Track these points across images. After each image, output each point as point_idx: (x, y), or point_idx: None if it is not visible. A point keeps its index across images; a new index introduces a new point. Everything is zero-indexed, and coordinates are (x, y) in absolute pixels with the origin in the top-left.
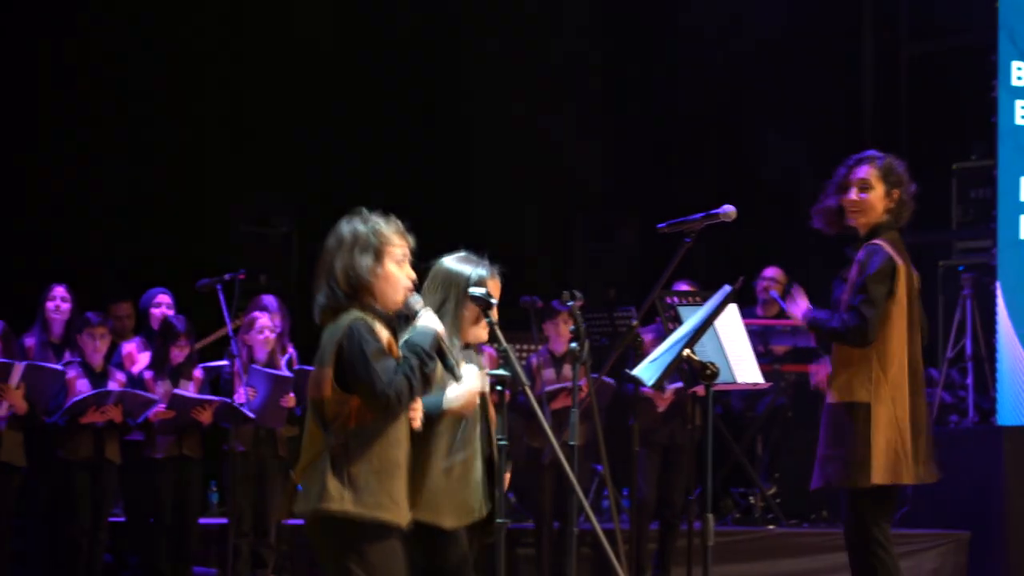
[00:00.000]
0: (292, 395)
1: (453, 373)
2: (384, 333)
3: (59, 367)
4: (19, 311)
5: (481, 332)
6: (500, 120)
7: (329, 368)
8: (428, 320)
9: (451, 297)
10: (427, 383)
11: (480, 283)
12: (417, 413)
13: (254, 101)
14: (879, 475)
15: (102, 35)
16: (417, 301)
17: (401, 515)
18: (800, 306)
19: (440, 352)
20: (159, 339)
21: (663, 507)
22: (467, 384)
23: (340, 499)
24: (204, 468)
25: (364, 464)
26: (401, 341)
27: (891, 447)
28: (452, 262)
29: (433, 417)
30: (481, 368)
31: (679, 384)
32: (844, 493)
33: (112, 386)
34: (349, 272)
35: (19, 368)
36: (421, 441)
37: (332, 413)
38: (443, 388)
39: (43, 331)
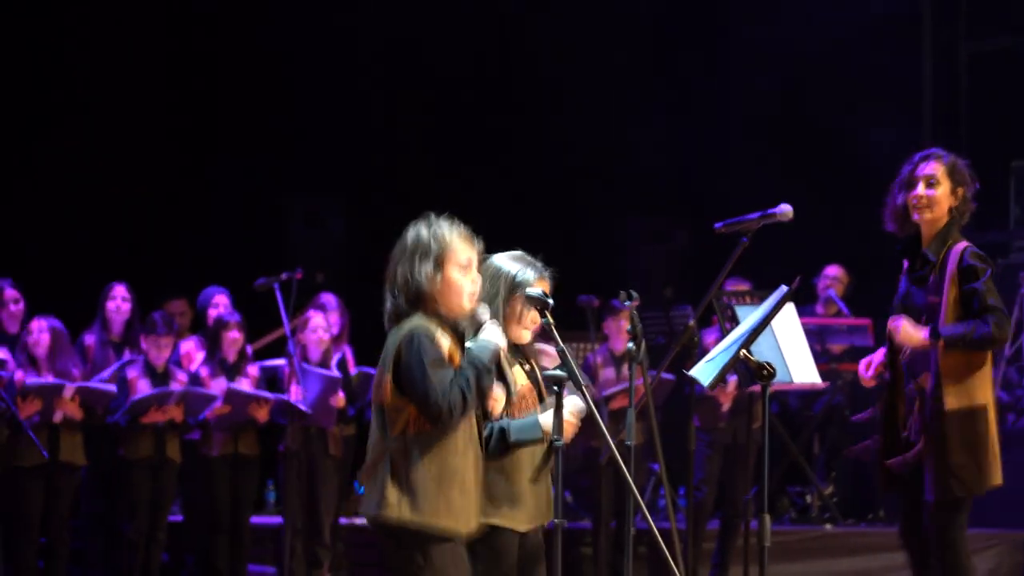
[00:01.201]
0: (342, 395)
1: (509, 390)
2: (446, 341)
3: (111, 388)
4: (77, 308)
5: (524, 333)
6: (559, 120)
7: (389, 373)
8: (491, 333)
9: (498, 294)
10: (482, 397)
11: (527, 283)
12: (497, 403)
13: (310, 100)
14: (997, 477)
15: (158, 31)
16: (485, 312)
17: (459, 523)
18: (920, 331)
19: (499, 367)
20: (212, 336)
21: (724, 506)
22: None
23: (398, 506)
24: (260, 467)
25: (423, 471)
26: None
27: (996, 448)
28: (503, 260)
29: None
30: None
31: (734, 377)
32: (951, 500)
33: (174, 386)
34: (409, 280)
35: (70, 388)
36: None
37: (392, 418)
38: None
39: (103, 330)
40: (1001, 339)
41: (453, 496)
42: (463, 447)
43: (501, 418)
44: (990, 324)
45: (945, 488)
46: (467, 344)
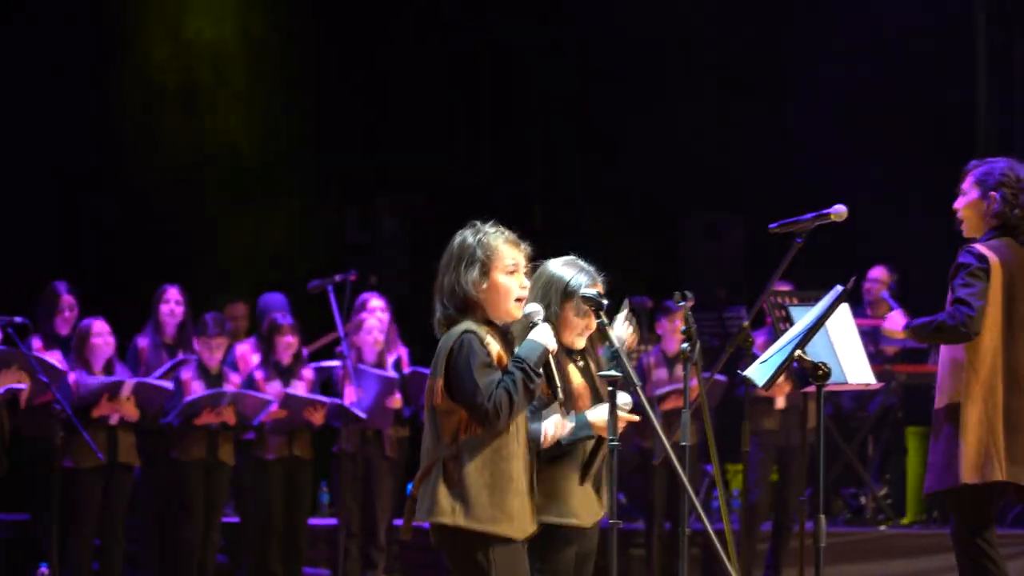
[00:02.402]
0: (399, 396)
1: (556, 391)
2: (495, 345)
3: (168, 385)
4: (129, 309)
5: (577, 340)
6: (609, 121)
7: (440, 378)
8: (541, 335)
9: (551, 300)
10: (530, 397)
11: (577, 291)
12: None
13: (365, 102)
14: (968, 474)
15: (212, 35)
16: (537, 313)
17: (515, 528)
18: (898, 322)
19: (547, 368)
20: (266, 339)
21: (777, 508)
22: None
23: (451, 512)
24: (314, 469)
25: (475, 476)
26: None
27: (981, 445)
28: (556, 266)
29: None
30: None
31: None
32: (943, 496)
33: (227, 388)
34: (456, 288)
35: (128, 386)
36: (563, 451)
37: (444, 423)
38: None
39: (156, 332)
40: (956, 330)
41: (507, 501)
42: (515, 451)
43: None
44: (947, 315)
45: (928, 484)
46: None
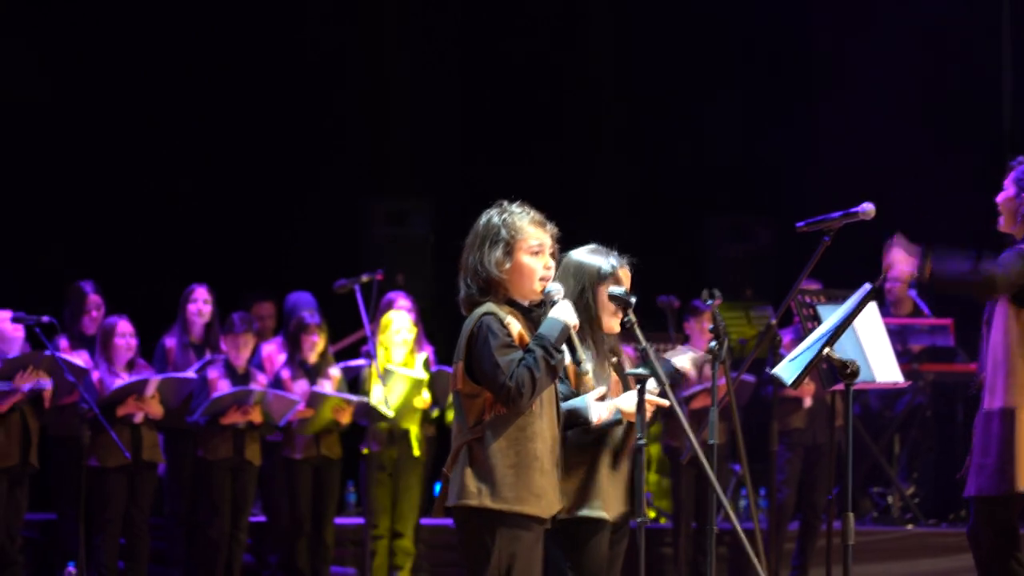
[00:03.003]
0: (426, 395)
1: (579, 366)
2: (516, 325)
3: (193, 376)
4: (155, 309)
5: (614, 322)
6: (635, 118)
7: (462, 361)
8: (561, 312)
9: (584, 288)
10: (552, 375)
11: (612, 274)
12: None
13: (391, 101)
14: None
15: (241, 34)
16: (557, 291)
17: (542, 508)
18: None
19: (570, 344)
20: (293, 339)
21: (804, 507)
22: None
23: (478, 494)
24: (342, 468)
25: (501, 457)
26: None
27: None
28: (582, 254)
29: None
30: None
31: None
32: (990, 502)
33: (253, 387)
34: (479, 267)
35: (153, 383)
36: (593, 440)
37: (467, 406)
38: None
39: (183, 332)
40: (982, 286)
41: (534, 480)
42: (540, 431)
43: None
44: (996, 264)
45: (978, 486)
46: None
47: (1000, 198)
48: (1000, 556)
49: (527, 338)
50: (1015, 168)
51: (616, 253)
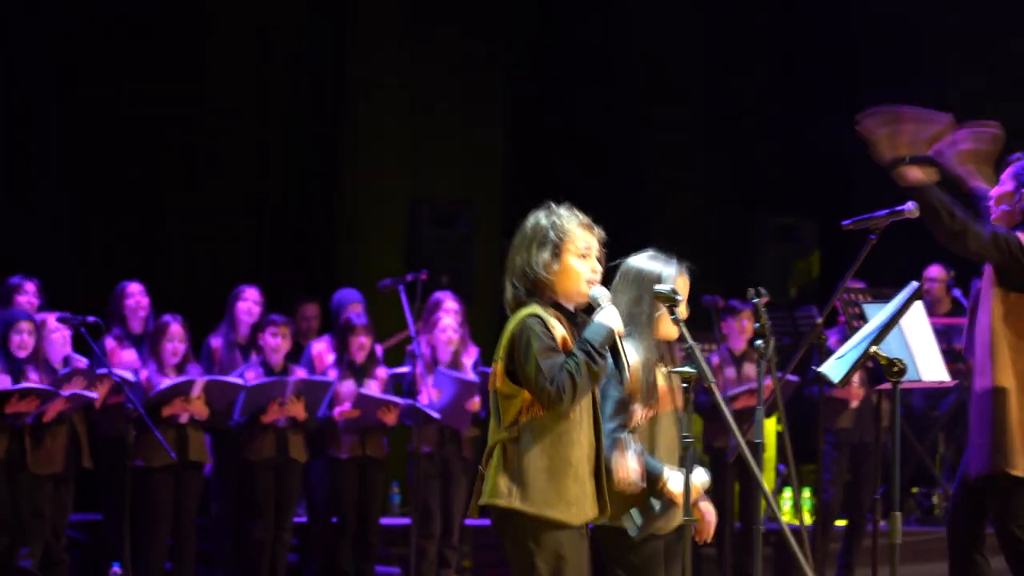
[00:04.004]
0: (477, 398)
1: (622, 373)
2: (560, 328)
3: (240, 380)
4: (200, 310)
5: (673, 329)
6: (679, 117)
7: (501, 362)
8: (606, 316)
9: (644, 295)
10: (594, 380)
11: (671, 279)
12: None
13: (435, 100)
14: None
15: (293, 39)
16: (603, 295)
17: (572, 514)
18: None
19: (614, 350)
20: (340, 339)
21: (850, 507)
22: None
23: (508, 495)
24: (387, 468)
25: (534, 460)
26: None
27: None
28: (641, 261)
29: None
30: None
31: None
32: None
33: (286, 379)
34: (526, 268)
35: (199, 384)
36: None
37: (504, 406)
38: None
39: (230, 331)
40: (982, 245)
41: (566, 486)
42: (577, 437)
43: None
44: (982, 226)
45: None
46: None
47: (995, 192)
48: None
49: (570, 342)
50: (1014, 163)
51: (675, 259)
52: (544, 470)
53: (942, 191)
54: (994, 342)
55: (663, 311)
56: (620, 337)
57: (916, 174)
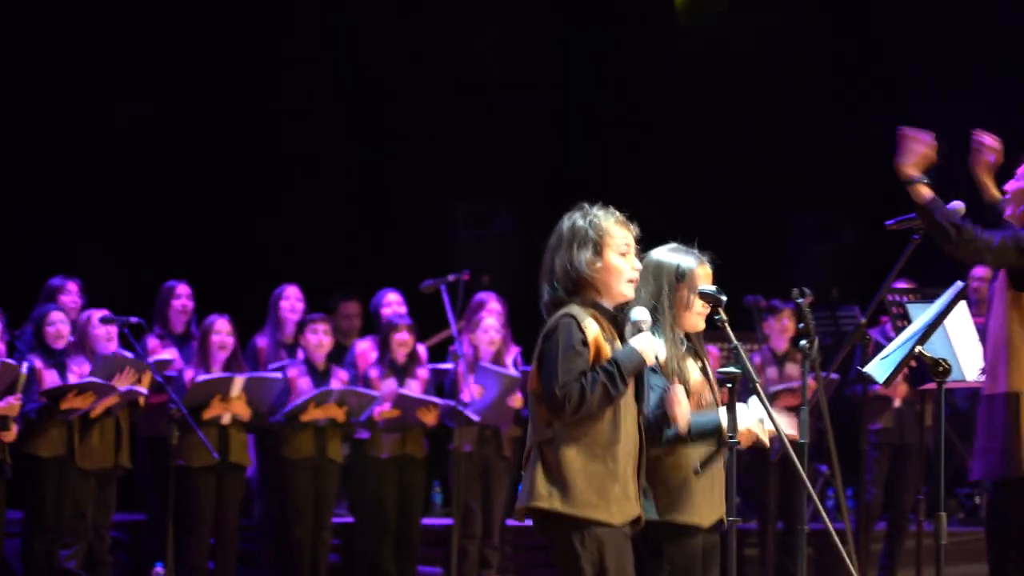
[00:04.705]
0: (519, 394)
1: (640, 404)
2: (593, 328)
3: (278, 376)
4: (242, 310)
5: (696, 319)
6: (721, 117)
7: (536, 362)
8: (642, 343)
9: (664, 287)
10: (606, 402)
11: (691, 272)
12: (682, 421)
13: (472, 100)
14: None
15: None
16: (645, 320)
17: (612, 514)
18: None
19: (638, 379)
20: (382, 338)
21: (891, 508)
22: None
23: (548, 497)
24: (428, 468)
25: (572, 461)
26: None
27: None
28: (661, 253)
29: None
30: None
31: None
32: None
33: (334, 384)
34: (568, 268)
35: (238, 382)
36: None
37: (539, 407)
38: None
39: (275, 331)
40: (990, 252)
41: (605, 486)
42: (615, 436)
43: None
44: (987, 233)
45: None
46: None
47: (1011, 186)
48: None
49: (603, 342)
50: None
51: (696, 251)
52: (583, 471)
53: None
54: (1009, 346)
55: (688, 304)
56: (646, 367)
57: (928, 193)
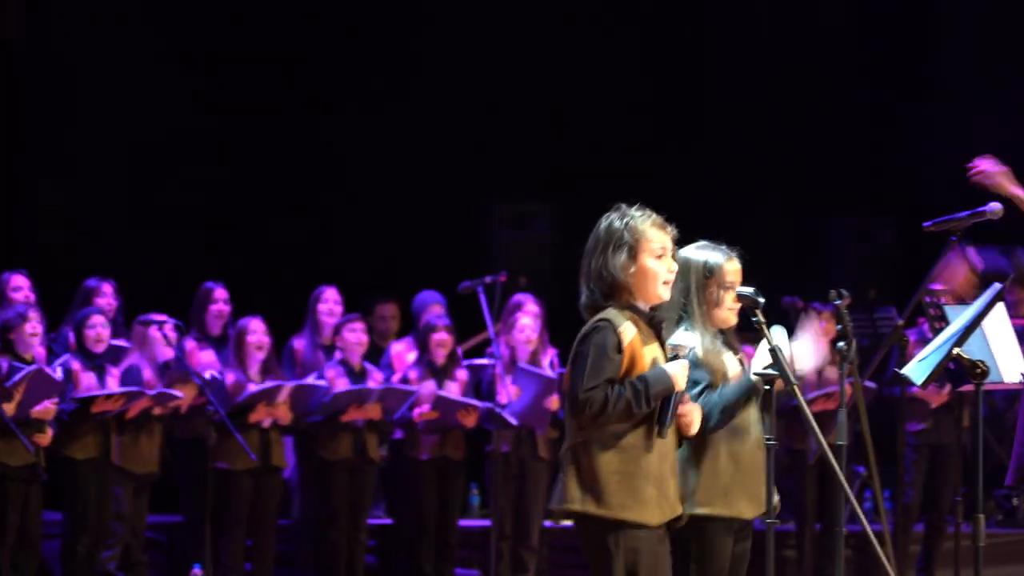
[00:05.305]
0: (556, 396)
1: (663, 430)
2: (630, 332)
3: (325, 384)
4: (280, 312)
5: (728, 315)
6: (761, 119)
7: (571, 364)
8: (675, 369)
9: (692, 285)
10: (627, 418)
11: (717, 268)
12: (693, 425)
13: (514, 102)
14: None
15: (360, 39)
16: (681, 347)
17: (647, 515)
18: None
19: (663, 403)
20: (421, 339)
21: (929, 509)
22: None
23: (581, 500)
24: (466, 469)
25: (605, 463)
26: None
27: None
28: (689, 251)
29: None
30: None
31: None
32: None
33: (369, 384)
34: (603, 271)
35: (286, 390)
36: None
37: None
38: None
39: (314, 333)
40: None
41: (639, 487)
42: (649, 438)
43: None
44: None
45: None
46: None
47: None
48: None
49: (639, 346)
50: None
51: (724, 247)
52: (616, 473)
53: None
54: None
55: (718, 300)
56: (676, 394)
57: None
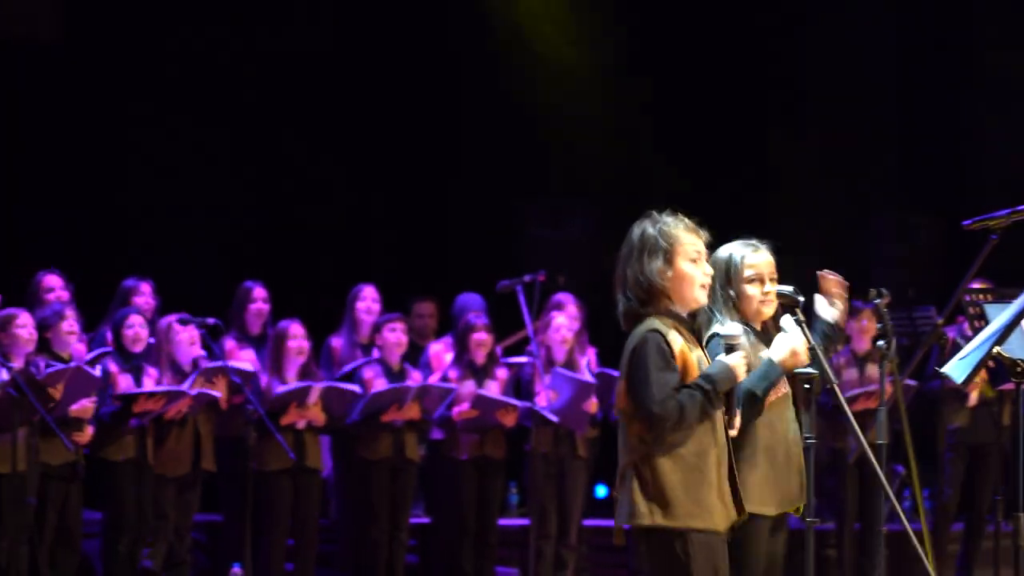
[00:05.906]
0: (595, 400)
1: (732, 421)
2: (678, 340)
3: (357, 388)
4: (317, 311)
5: (764, 307)
6: (797, 120)
7: (624, 380)
8: (735, 360)
9: (720, 280)
10: (703, 419)
11: (740, 262)
12: (736, 421)
13: (549, 103)
14: None
15: (398, 38)
16: (734, 336)
17: (714, 521)
18: None
19: (729, 395)
20: (460, 339)
21: (969, 508)
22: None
23: (650, 514)
24: (505, 469)
25: (668, 476)
26: (706, 342)
27: None
28: (722, 248)
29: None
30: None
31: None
32: None
33: (408, 383)
34: (640, 278)
35: (316, 391)
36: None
37: (630, 425)
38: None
39: (351, 331)
40: None
41: (703, 495)
42: (707, 444)
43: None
44: None
45: None
46: (707, 332)
47: None
48: None
49: (688, 353)
50: None
51: (754, 240)
52: (680, 483)
53: None
54: None
55: (745, 294)
56: (738, 387)
57: None
